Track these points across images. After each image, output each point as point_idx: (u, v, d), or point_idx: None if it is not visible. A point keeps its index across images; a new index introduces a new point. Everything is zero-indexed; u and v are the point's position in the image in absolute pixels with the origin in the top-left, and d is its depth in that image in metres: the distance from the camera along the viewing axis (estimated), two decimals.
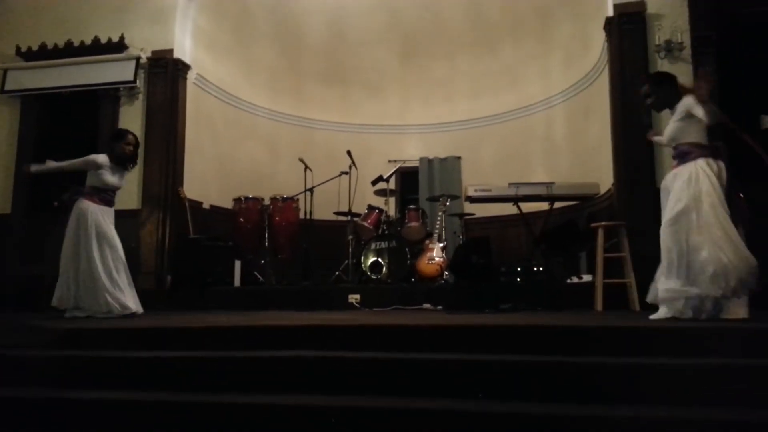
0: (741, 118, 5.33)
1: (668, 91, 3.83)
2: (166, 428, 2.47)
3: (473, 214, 7.36)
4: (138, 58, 6.68)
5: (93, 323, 3.91)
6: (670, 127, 3.79)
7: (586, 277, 5.53)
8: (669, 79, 3.92)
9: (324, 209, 7.25)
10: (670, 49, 5.63)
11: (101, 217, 4.50)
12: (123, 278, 4.49)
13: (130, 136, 4.69)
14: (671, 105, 3.80)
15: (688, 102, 3.64)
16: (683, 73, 5.60)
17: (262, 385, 2.66)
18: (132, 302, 4.48)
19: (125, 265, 4.59)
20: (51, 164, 4.63)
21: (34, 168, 4.67)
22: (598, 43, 6.72)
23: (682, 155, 3.69)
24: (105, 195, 4.59)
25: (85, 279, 4.36)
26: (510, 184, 6.19)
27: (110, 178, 4.57)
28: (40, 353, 3.15)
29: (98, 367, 2.93)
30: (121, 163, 4.65)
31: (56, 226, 6.08)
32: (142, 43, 6.76)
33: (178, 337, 3.28)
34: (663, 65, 5.65)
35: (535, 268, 6.11)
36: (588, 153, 7.17)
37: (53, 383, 2.84)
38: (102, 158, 4.57)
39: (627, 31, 5.82)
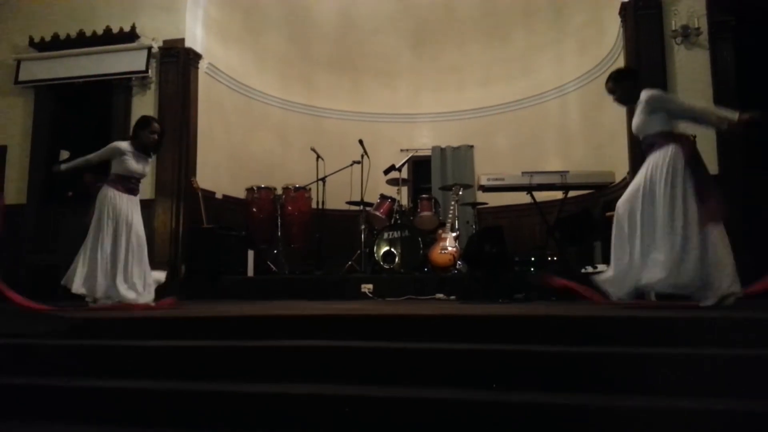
0: (759, 105, 5.28)
1: (628, 87, 3.94)
2: (179, 417, 2.47)
3: (486, 203, 7.32)
4: (150, 48, 6.69)
5: (107, 312, 3.93)
6: (635, 119, 3.89)
7: (601, 267, 5.47)
8: (629, 75, 4.07)
9: (336, 199, 7.24)
10: (686, 34, 5.55)
11: (125, 205, 4.46)
12: (135, 270, 4.45)
13: (155, 125, 4.65)
14: (633, 100, 3.91)
15: (646, 94, 3.78)
16: (700, 59, 5.54)
17: (275, 375, 2.66)
18: (137, 294, 4.42)
19: (144, 257, 4.53)
20: (77, 159, 4.61)
21: (64, 166, 4.66)
22: (612, 29, 6.63)
23: (650, 146, 3.81)
24: (129, 183, 4.53)
25: (105, 266, 4.35)
26: (523, 172, 6.14)
27: (134, 165, 4.52)
28: (56, 342, 3.17)
29: (112, 356, 2.95)
30: (145, 150, 4.62)
31: (71, 216, 6.14)
32: (154, 33, 6.76)
33: (191, 326, 3.30)
34: (679, 51, 5.58)
35: (549, 258, 6.09)
36: (603, 141, 7.10)
37: (67, 372, 2.85)
38: (125, 145, 4.54)
39: (642, 17, 5.73)
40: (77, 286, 4.32)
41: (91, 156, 4.59)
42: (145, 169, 4.66)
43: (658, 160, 3.69)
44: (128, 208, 4.48)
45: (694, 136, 4.33)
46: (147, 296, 4.45)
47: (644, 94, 3.81)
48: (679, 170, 3.62)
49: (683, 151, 3.68)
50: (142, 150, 4.60)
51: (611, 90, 4.04)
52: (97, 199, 4.48)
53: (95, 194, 4.52)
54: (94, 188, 4.55)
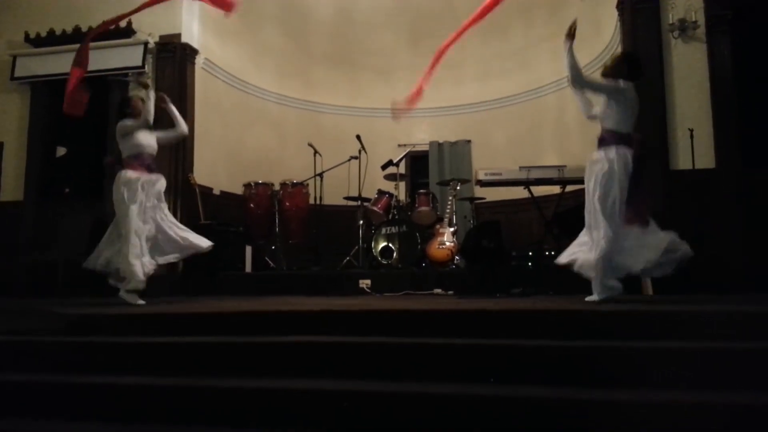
0: (756, 99, 5.30)
1: (621, 68, 3.96)
2: (178, 413, 2.48)
3: (484, 198, 7.32)
4: (146, 43, 6.66)
5: (105, 309, 3.93)
6: (601, 107, 4.00)
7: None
8: (632, 62, 4.04)
9: (334, 194, 7.23)
10: (683, 28, 5.53)
11: (143, 184, 4.48)
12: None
13: (132, 95, 4.76)
14: (610, 77, 3.97)
15: (618, 85, 3.86)
16: (697, 52, 5.53)
17: (273, 370, 2.67)
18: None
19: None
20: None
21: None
22: (610, 23, 6.62)
23: (600, 140, 3.92)
24: (142, 160, 4.57)
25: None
26: (521, 167, 6.14)
27: (142, 138, 4.58)
28: (54, 339, 3.17)
29: (111, 352, 2.95)
30: (145, 123, 4.63)
31: (69, 212, 6.13)
32: (150, 28, 6.72)
33: (189, 322, 3.30)
34: (677, 45, 5.56)
35: (547, 252, 6.09)
36: None
37: (66, 368, 2.86)
38: (128, 120, 4.59)
39: (640, 10, 5.72)
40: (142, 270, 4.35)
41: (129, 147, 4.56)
42: (153, 141, 4.71)
43: (606, 159, 3.77)
44: (147, 186, 4.51)
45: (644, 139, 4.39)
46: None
47: (620, 84, 3.85)
48: (624, 172, 3.72)
49: (630, 151, 3.77)
50: (143, 123, 4.63)
51: (612, 58, 4.10)
52: (114, 183, 4.52)
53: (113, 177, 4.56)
54: (114, 170, 4.59)
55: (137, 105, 4.65)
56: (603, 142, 3.89)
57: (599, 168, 3.78)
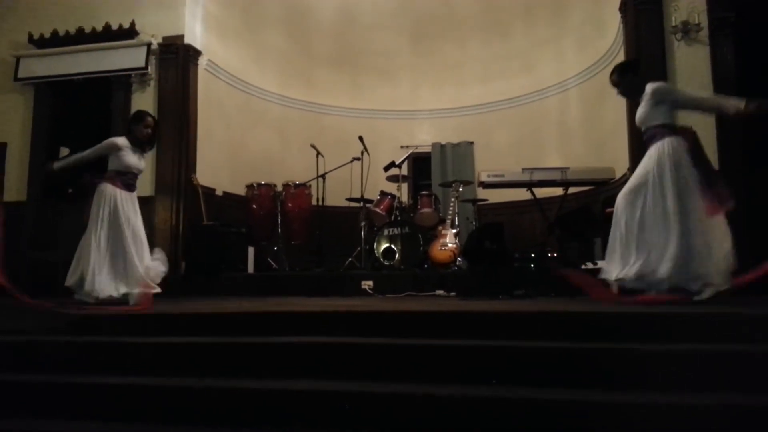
0: (758, 100, 5.28)
1: (632, 79, 4.03)
2: (178, 413, 2.48)
3: (486, 200, 7.32)
4: (149, 45, 6.66)
5: (105, 309, 3.93)
6: (639, 111, 3.95)
7: (601, 263, 5.47)
8: (632, 66, 4.17)
9: (336, 196, 7.23)
10: (686, 30, 5.52)
11: (123, 201, 4.43)
12: (135, 267, 4.38)
13: (149, 119, 4.66)
14: (638, 93, 3.97)
15: (651, 87, 3.84)
16: (700, 55, 5.51)
17: (275, 371, 2.67)
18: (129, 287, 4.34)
19: (145, 253, 4.48)
20: (72, 157, 4.57)
21: (57, 165, 4.57)
22: (613, 25, 6.61)
23: (651, 138, 3.86)
24: (126, 179, 4.52)
25: (104, 263, 4.31)
26: (524, 169, 6.14)
27: (131, 159, 4.52)
28: (55, 339, 3.17)
29: (112, 352, 2.95)
30: (140, 145, 4.62)
31: (71, 213, 6.13)
32: (153, 29, 6.73)
33: (191, 323, 3.29)
34: (680, 47, 5.55)
35: (549, 254, 6.08)
36: (603, 137, 7.08)
37: (66, 368, 2.86)
38: (121, 140, 4.53)
39: (643, 12, 5.71)
40: (87, 285, 4.26)
41: (86, 153, 4.55)
42: (142, 164, 4.67)
43: (661, 152, 3.73)
44: (126, 204, 4.46)
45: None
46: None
47: (650, 87, 3.87)
48: (683, 162, 3.69)
49: (685, 142, 3.72)
50: (138, 145, 4.62)
51: (615, 83, 4.11)
52: (94, 195, 4.46)
53: (92, 192, 4.50)
54: (93, 187, 4.54)
55: (142, 131, 4.58)
56: (654, 138, 3.84)
57: (655, 163, 3.73)
